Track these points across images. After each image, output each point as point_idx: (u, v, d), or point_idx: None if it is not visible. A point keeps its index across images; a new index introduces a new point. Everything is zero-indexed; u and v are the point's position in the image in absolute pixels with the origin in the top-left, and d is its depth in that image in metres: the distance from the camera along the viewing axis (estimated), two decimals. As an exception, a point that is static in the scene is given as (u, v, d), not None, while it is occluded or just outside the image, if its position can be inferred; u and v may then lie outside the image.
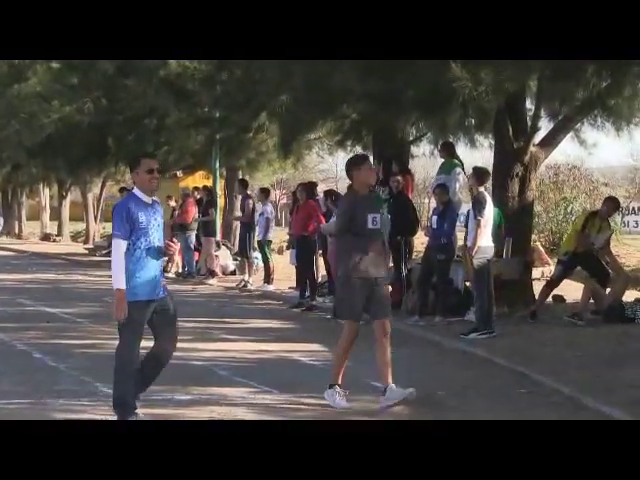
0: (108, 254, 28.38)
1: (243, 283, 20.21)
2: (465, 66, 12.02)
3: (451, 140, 16.67)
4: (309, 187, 17.88)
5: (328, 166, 56.66)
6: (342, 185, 41.82)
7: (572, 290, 15.19)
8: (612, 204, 14.56)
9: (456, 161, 15.92)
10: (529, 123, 15.11)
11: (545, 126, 15.42)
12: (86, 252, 32.53)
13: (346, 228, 8.74)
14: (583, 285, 14.05)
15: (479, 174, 13.01)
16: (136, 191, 7.74)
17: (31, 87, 32.06)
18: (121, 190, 30.82)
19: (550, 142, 15.48)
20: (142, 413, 7.63)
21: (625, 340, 11.76)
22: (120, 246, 7.51)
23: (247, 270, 20.45)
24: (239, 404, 8.64)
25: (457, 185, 15.31)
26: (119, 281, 7.49)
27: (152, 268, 7.67)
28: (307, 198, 17.09)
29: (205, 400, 8.82)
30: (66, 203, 43.48)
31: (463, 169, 15.83)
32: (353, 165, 8.87)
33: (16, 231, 44.22)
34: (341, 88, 13.89)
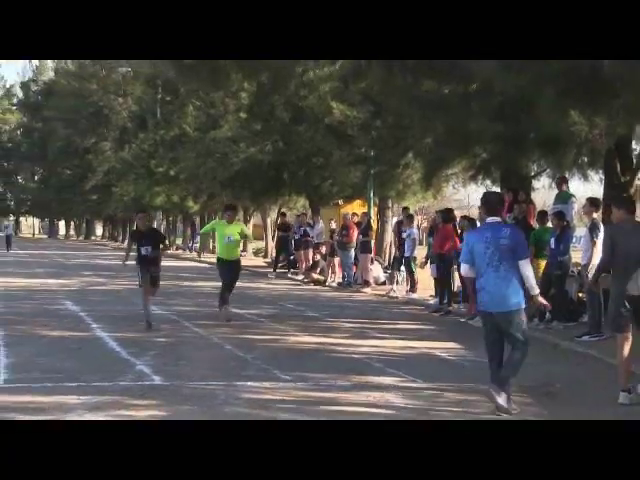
0: (282, 267, 28.81)
1: (392, 291, 20.20)
2: (583, 112, 11.75)
3: (566, 175, 16.33)
4: (447, 212, 17.69)
5: (462, 196, 56.21)
6: (473, 212, 41.35)
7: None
8: None
9: (570, 192, 15.60)
10: (634, 160, 14.71)
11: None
12: (265, 265, 33.03)
13: None
14: None
15: (595, 204, 12.68)
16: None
17: (224, 133, 32.95)
18: (283, 214, 31.12)
19: (653, 177, 15.07)
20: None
21: None
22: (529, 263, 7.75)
23: (396, 281, 20.50)
24: (390, 390, 8.60)
25: (573, 212, 14.99)
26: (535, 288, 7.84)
27: None
28: (445, 222, 16.96)
29: (362, 386, 8.78)
30: (250, 225, 44.34)
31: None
32: None
33: (210, 247, 45.27)
34: (475, 131, 13.76)
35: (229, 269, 14.51)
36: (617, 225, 8.72)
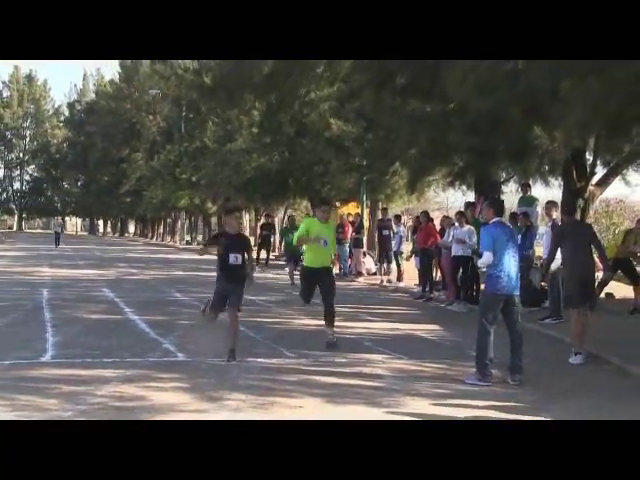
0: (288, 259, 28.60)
1: (381, 281, 20.17)
2: (544, 127, 11.70)
3: (530, 181, 16.30)
4: (426, 214, 17.67)
5: (442, 199, 55.98)
6: (451, 213, 41.28)
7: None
8: None
9: (534, 196, 15.58)
10: (588, 169, 14.69)
11: (600, 171, 15.10)
12: (272, 258, 32.89)
13: None
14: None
15: (555, 205, 12.70)
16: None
17: (238, 145, 32.84)
18: (267, 216, 30.76)
19: (604, 182, 15.04)
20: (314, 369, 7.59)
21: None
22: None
23: (385, 272, 20.45)
24: (379, 366, 8.59)
25: (537, 214, 14.99)
26: None
27: None
28: (427, 221, 16.93)
29: (356, 362, 8.77)
30: (260, 224, 44.28)
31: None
32: None
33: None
34: (453, 143, 13.70)
35: (319, 278, 9.73)
36: (563, 224, 9.76)
